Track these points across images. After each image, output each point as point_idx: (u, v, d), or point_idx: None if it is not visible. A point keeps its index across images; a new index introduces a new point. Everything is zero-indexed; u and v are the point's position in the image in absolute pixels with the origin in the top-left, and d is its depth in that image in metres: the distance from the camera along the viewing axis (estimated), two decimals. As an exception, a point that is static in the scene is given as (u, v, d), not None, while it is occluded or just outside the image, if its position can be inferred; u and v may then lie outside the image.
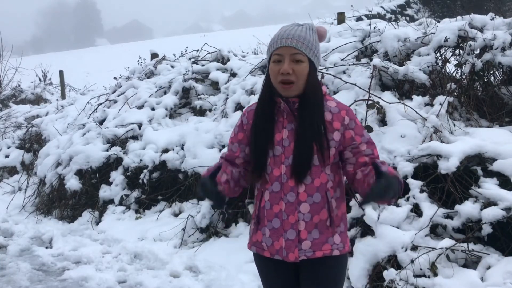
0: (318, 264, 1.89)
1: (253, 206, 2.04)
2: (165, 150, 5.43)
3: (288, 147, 1.87)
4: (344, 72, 4.88)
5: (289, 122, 1.89)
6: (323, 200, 1.87)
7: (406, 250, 3.16)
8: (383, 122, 4.17)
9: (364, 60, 5.04)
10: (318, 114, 1.85)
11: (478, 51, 4.41)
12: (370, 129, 4.02)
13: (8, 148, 7.69)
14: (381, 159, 1.87)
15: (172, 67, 7.22)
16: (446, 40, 4.47)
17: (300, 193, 1.86)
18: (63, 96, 11.21)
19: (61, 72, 11.61)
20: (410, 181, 3.55)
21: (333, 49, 5.28)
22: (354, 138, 1.88)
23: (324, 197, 1.87)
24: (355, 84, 4.48)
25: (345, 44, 5.31)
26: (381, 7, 14.69)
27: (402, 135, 3.90)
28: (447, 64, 4.60)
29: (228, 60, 6.75)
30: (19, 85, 12.20)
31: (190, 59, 7.23)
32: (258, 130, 1.91)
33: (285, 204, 1.87)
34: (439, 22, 5.28)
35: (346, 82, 4.60)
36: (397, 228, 3.32)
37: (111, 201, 5.46)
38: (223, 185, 1.85)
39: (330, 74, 4.81)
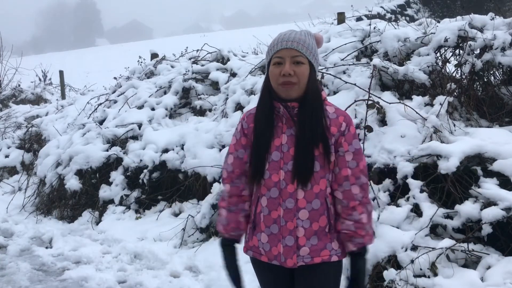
0: (316, 269, 1.88)
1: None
2: (165, 150, 5.43)
3: (287, 153, 1.85)
4: (344, 72, 4.88)
5: (288, 127, 1.87)
6: (322, 207, 1.85)
7: (406, 250, 3.16)
8: (383, 122, 4.17)
9: (364, 60, 5.04)
10: (318, 119, 1.84)
11: (478, 51, 4.41)
12: (370, 129, 4.02)
13: (8, 148, 7.70)
14: (356, 184, 1.87)
15: (172, 67, 7.22)
16: (446, 40, 4.47)
17: (299, 199, 1.83)
18: (63, 96, 11.22)
19: (61, 72, 11.61)
20: (410, 181, 3.56)
21: (333, 49, 5.28)
22: (342, 144, 1.86)
23: (324, 203, 1.85)
24: (355, 84, 4.48)
25: (345, 44, 5.32)
26: (381, 7, 14.66)
27: (402, 135, 3.90)
28: (447, 64, 4.60)
29: (228, 60, 6.75)
30: (19, 85, 12.20)
31: (190, 59, 7.23)
32: (259, 135, 1.89)
33: (284, 210, 1.84)
34: (439, 22, 5.28)
35: (346, 82, 4.60)
36: (397, 228, 3.33)
37: (111, 201, 5.46)
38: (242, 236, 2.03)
39: (330, 74, 4.81)
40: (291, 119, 1.86)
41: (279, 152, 1.86)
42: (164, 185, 5.29)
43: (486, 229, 3.12)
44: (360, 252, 1.88)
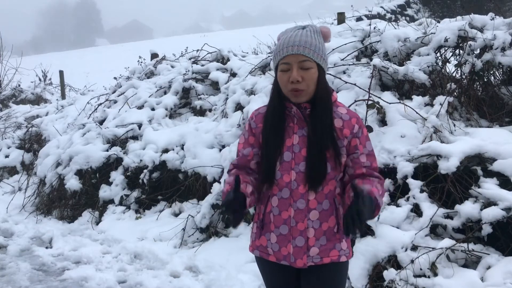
0: (324, 269, 1.89)
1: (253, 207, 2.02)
2: (165, 150, 5.43)
3: (299, 153, 1.84)
4: (344, 72, 4.88)
5: (300, 127, 1.86)
6: (331, 207, 1.85)
7: (406, 250, 3.16)
8: (383, 122, 4.17)
9: (364, 60, 5.04)
10: (329, 122, 1.83)
11: (478, 51, 4.41)
12: (370, 129, 4.02)
13: (8, 148, 7.70)
14: (371, 176, 1.85)
15: (172, 67, 7.22)
16: (446, 40, 4.47)
17: (310, 200, 1.83)
18: (63, 96, 11.21)
19: (61, 72, 11.60)
20: (410, 181, 3.56)
21: (333, 49, 5.27)
22: (357, 147, 1.86)
23: (333, 204, 1.86)
24: (355, 84, 4.48)
25: (345, 44, 5.31)
26: (381, 7, 14.66)
27: (402, 135, 3.90)
28: (447, 64, 4.61)
29: (228, 60, 6.75)
30: (19, 85, 12.20)
31: (190, 59, 7.24)
32: (269, 137, 1.88)
33: (294, 211, 1.84)
34: (439, 22, 5.28)
35: (346, 82, 4.60)
36: (397, 228, 3.33)
37: (111, 201, 5.46)
38: (250, 197, 1.80)
39: (330, 74, 4.80)
40: (304, 119, 1.85)
41: (291, 152, 1.85)
42: (164, 185, 5.29)
43: (486, 229, 3.13)
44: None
